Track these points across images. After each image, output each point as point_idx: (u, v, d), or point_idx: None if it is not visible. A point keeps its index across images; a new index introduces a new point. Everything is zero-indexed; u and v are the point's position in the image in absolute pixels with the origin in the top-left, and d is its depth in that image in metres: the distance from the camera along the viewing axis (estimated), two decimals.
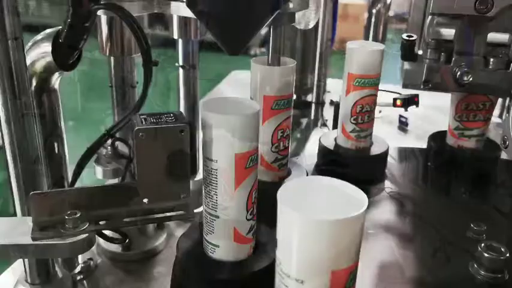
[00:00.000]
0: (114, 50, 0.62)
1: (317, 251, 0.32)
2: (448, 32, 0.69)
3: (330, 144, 0.75)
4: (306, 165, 0.77)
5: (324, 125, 1.12)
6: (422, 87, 0.65)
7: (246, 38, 0.42)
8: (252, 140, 0.45)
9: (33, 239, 0.41)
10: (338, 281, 0.33)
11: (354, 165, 0.73)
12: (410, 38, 0.68)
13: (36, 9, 4.57)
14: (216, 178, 0.46)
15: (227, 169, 0.45)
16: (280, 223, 0.33)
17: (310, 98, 1.18)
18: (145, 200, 0.45)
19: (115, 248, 0.66)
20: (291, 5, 0.55)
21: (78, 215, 0.42)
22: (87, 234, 0.42)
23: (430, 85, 0.64)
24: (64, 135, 0.62)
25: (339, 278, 0.33)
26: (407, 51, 0.68)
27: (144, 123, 0.44)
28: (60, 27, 0.55)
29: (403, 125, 1.12)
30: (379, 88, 1.16)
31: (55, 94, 0.60)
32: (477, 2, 0.55)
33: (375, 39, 1.14)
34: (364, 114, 0.71)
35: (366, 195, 0.33)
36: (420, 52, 0.69)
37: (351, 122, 0.72)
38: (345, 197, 0.34)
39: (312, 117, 1.17)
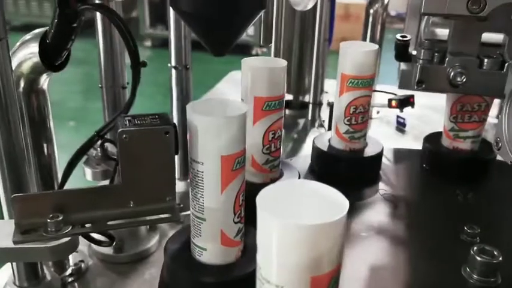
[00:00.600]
0: None
1: (296, 256, 0.31)
2: (444, 32, 0.68)
3: (323, 145, 0.75)
4: (300, 167, 0.76)
5: (321, 125, 1.11)
6: (415, 88, 0.64)
7: (231, 39, 0.41)
8: (238, 142, 0.45)
9: (15, 242, 0.40)
10: (319, 286, 0.32)
11: (348, 167, 0.73)
12: (404, 39, 0.67)
13: (38, 9, 4.58)
14: (202, 180, 0.45)
15: (213, 171, 0.45)
16: (259, 228, 0.32)
17: (308, 98, 1.18)
18: (130, 203, 0.45)
19: (106, 249, 0.66)
20: None
21: (61, 218, 0.42)
22: (69, 238, 0.41)
23: (424, 86, 0.63)
24: (53, 136, 0.62)
25: (319, 283, 0.32)
26: (401, 52, 0.67)
27: (128, 124, 0.43)
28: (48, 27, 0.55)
29: (400, 126, 1.11)
30: (376, 89, 1.17)
31: (44, 95, 0.60)
32: (469, 2, 0.54)
33: (373, 39, 1.13)
34: (358, 116, 0.71)
35: (347, 200, 0.32)
36: (414, 52, 0.68)
37: (345, 123, 0.71)
38: (326, 201, 0.33)
39: (309, 117, 1.16)
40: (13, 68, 0.56)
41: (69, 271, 0.63)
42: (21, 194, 0.42)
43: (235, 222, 0.48)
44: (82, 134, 0.51)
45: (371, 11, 1.12)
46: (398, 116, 1.11)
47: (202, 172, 0.45)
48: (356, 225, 0.63)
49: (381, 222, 0.64)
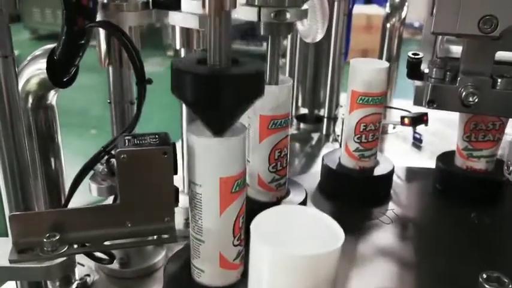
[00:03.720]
0: (113, 62, 0.62)
1: (288, 286, 0.30)
2: (459, 49, 0.67)
3: (333, 163, 0.73)
4: (309, 184, 0.75)
5: (335, 140, 1.10)
6: (426, 107, 0.62)
7: (230, 122, 0.43)
8: (237, 164, 0.44)
9: (11, 261, 0.40)
10: None
11: (357, 186, 0.72)
12: (416, 56, 0.66)
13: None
14: (200, 202, 0.45)
15: (211, 193, 0.44)
16: (251, 254, 0.31)
17: (323, 112, 1.16)
18: (128, 223, 0.44)
19: (113, 264, 0.66)
20: (288, 15, 0.53)
21: (57, 238, 0.42)
22: (64, 258, 0.41)
23: (435, 105, 0.62)
24: (61, 151, 0.62)
25: None
26: (413, 70, 0.66)
27: (127, 144, 0.43)
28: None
29: (417, 142, 1.09)
30: (392, 104, 1.15)
31: (52, 110, 0.60)
32: (481, 21, 0.52)
33: (389, 53, 1.11)
34: (369, 133, 0.69)
35: (342, 230, 0.31)
36: (427, 71, 0.66)
37: (355, 141, 0.70)
38: (322, 230, 0.32)
39: (324, 132, 1.15)
40: (22, 83, 0.57)
41: (74, 285, 0.63)
42: (19, 212, 0.43)
43: (235, 245, 0.47)
44: (102, 143, 0.51)
45: (388, 25, 1.11)
46: (414, 132, 1.09)
47: (201, 194, 0.45)
48: (363, 246, 0.61)
49: (389, 243, 0.63)
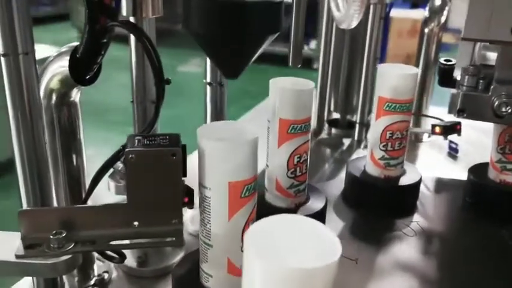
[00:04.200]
0: None
1: None
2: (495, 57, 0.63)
3: (357, 170, 0.71)
4: (332, 191, 0.73)
5: (366, 147, 1.07)
6: (456, 116, 0.59)
7: (243, 63, 0.40)
8: (247, 169, 0.43)
9: (17, 256, 0.41)
10: None
11: (381, 195, 0.69)
12: (448, 63, 0.63)
13: None
14: (209, 206, 0.44)
15: (220, 197, 0.43)
16: (243, 266, 0.30)
17: (355, 117, 1.14)
18: (135, 223, 0.44)
19: (131, 262, 0.66)
20: None
21: (64, 235, 0.42)
22: (70, 256, 0.41)
23: (465, 115, 0.59)
24: (83, 148, 0.63)
25: None
26: (445, 77, 0.63)
27: (136, 144, 0.43)
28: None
29: (452, 152, 1.05)
30: (428, 111, 1.11)
31: (75, 108, 0.61)
32: None
33: (427, 59, 1.07)
34: (395, 141, 0.67)
35: (340, 244, 0.30)
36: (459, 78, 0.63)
37: (380, 149, 0.68)
38: (319, 242, 0.31)
39: (356, 138, 1.12)
40: (46, 80, 0.58)
41: (92, 281, 0.64)
42: (28, 208, 0.43)
43: (243, 251, 0.46)
44: None
45: (426, 29, 1.07)
46: (450, 141, 1.05)
47: (210, 198, 0.44)
48: (383, 259, 0.59)
49: (411, 257, 0.60)
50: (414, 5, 4.13)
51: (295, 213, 0.61)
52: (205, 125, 0.45)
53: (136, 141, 0.43)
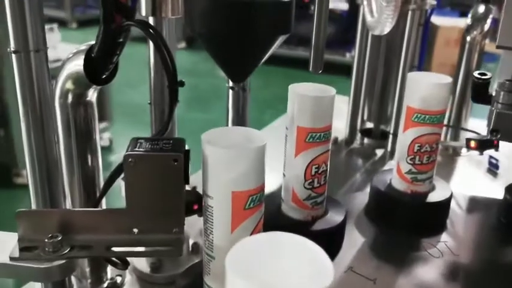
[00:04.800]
0: None
1: None
2: None
3: (383, 184, 0.67)
4: (356, 205, 0.69)
5: None
6: (489, 136, 0.55)
7: (253, 65, 0.37)
8: (253, 178, 0.41)
9: (11, 258, 0.40)
10: None
11: (406, 211, 0.65)
12: (483, 77, 0.58)
13: None
14: (212, 216, 0.42)
15: (223, 208, 0.41)
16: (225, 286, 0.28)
17: (389, 128, 1.09)
18: (135, 230, 0.42)
19: (145, 267, 0.65)
20: None
21: (59, 239, 0.40)
22: (64, 260, 0.40)
23: (499, 136, 0.54)
24: (99, 148, 0.62)
25: None
26: (479, 92, 0.58)
27: (137, 147, 0.41)
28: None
29: (493, 168, 0.98)
30: (467, 124, 1.05)
31: (91, 107, 0.60)
32: None
33: (468, 68, 1.02)
34: (423, 155, 0.63)
35: (332, 267, 0.27)
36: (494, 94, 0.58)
37: (407, 162, 0.64)
38: (310, 263, 0.28)
39: (389, 149, 1.07)
40: (62, 78, 0.57)
41: (105, 284, 0.63)
42: (26, 209, 0.42)
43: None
44: None
45: (468, 38, 1.02)
46: (490, 156, 0.98)
47: (212, 207, 0.41)
48: (403, 280, 0.55)
49: (436, 281, 0.56)
50: (463, 14, 4.00)
51: (311, 226, 0.58)
52: (212, 130, 0.42)
53: (138, 144, 0.42)
